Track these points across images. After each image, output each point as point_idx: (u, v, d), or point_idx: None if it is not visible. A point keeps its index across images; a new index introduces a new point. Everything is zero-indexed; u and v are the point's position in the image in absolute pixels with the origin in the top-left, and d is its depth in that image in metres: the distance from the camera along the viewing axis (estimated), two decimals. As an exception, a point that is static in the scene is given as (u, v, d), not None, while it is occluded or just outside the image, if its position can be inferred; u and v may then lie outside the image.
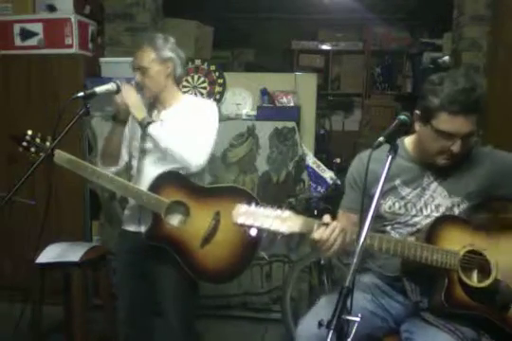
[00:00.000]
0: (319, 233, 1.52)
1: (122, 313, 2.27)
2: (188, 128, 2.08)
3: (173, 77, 2.19)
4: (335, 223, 1.54)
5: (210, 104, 2.24)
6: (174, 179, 2.10)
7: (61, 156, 2.08)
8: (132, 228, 2.21)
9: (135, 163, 2.21)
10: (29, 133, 2.07)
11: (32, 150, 2.06)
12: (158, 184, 2.08)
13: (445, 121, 1.59)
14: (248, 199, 2.06)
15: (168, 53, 2.13)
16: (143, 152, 2.18)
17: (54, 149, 2.01)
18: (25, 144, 2.07)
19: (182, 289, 2.16)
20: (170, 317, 2.14)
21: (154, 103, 2.23)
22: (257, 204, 1.92)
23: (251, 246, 2.09)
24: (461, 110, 1.56)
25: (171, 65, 2.15)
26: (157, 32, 2.25)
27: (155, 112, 2.23)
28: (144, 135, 2.16)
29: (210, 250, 2.05)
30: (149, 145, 2.17)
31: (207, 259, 2.06)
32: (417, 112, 1.68)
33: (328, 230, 1.52)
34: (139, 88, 2.14)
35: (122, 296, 2.28)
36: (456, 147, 1.61)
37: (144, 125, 2.05)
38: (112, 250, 2.71)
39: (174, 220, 2.09)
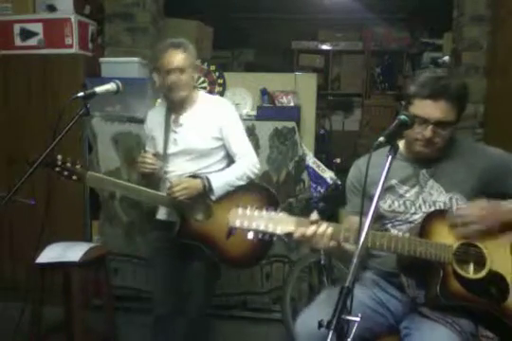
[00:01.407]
0: (300, 231, 1.54)
1: (158, 296, 2.40)
2: (219, 136, 2.28)
3: (195, 82, 2.37)
4: (324, 224, 1.56)
5: (229, 106, 2.36)
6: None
7: (93, 178, 2.24)
8: (162, 218, 2.39)
9: (165, 165, 2.33)
10: (59, 158, 2.18)
11: (65, 173, 2.19)
12: None
13: (417, 106, 1.68)
14: (265, 193, 2.32)
15: (197, 62, 2.33)
16: (171, 155, 2.32)
17: (86, 173, 2.20)
18: (58, 169, 2.18)
19: (207, 283, 2.36)
20: (191, 310, 2.34)
21: (172, 106, 2.32)
22: (274, 197, 2.22)
23: None
24: (429, 94, 1.65)
25: (197, 72, 2.35)
26: (179, 37, 2.33)
27: (174, 116, 2.33)
28: (166, 142, 2.30)
29: (234, 241, 2.17)
30: (173, 150, 2.30)
31: (232, 248, 2.24)
32: (402, 102, 1.76)
33: (306, 228, 1.55)
34: (175, 87, 2.23)
35: (158, 276, 2.42)
36: (427, 132, 1.68)
37: (211, 190, 2.22)
38: (113, 250, 2.72)
39: (199, 217, 2.28)
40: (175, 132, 2.31)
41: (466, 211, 1.65)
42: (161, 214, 2.40)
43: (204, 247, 2.25)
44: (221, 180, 2.23)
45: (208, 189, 2.20)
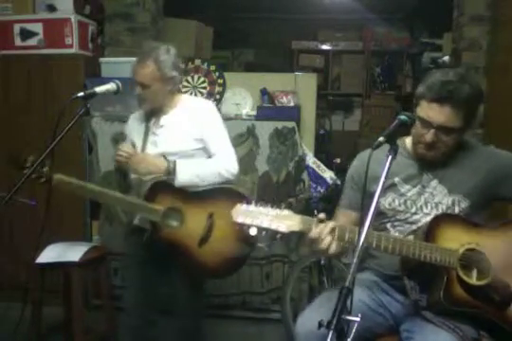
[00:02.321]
0: (315, 232, 1.52)
1: (128, 303, 2.33)
2: (201, 139, 2.20)
3: (173, 90, 2.24)
4: (331, 223, 1.55)
5: (210, 106, 2.30)
6: (167, 187, 2.17)
7: (59, 181, 2.16)
8: (136, 223, 2.30)
9: None
10: (30, 159, 2.14)
11: (33, 176, 2.14)
12: (152, 193, 2.16)
13: (423, 108, 1.65)
14: (240, 198, 2.10)
15: (170, 72, 2.16)
16: None
17: (52, 175, 2.13)
18: (26, 171, 2.14)
19: (193, 289, 2.26)
20: (182, 317, 2.26)
21: (153, 110, 2.27)
22: (249, 203, 1.97)
23: (248, 243, 2.17)
24: (435, 98, 1.61)
25: (171, 83, 2.20)
26: (158, 42, 2.27)
27: (154, 119, 2.28)
28: (145, 143, 2.24)
29: (208, 250, 2.12)
30: (153, 151, 2.23)
31: (206, 258, 2.13)
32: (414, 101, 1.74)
33: (324, 228, 1.53)
34: (140, 99, 2.19)
35: (130, 285, 2.35)
36: (428, 136, 1.65)
37: (174, 174, 2.14)
38: (112, 249, 2.72)
39: (171, 225, 2.17)
40: (156, 134, 2.26)
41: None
42: (136, 219, 2.30)
43: (175, 255, 2.15)
44: (189, 168, 2.15)
45: (171, 172, 2.12)
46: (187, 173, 2.14)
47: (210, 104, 2.33)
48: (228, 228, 2.08)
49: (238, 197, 2.15)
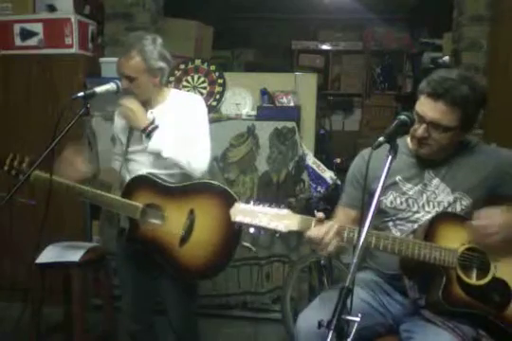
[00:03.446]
0: (314, 231, 1.52)
1: (125, 306, 2.30)
2: (182, 132, 2.09)
3: (161, 82, 2.17)
4: (331, 222, 1.55)
5: (198, 101, 2.21)
6: (146, 182, 2.11)
7: (37, 177, 2.10)
8: (123, 225, 2.22)
9: (128, 165, 2.21)
10: (10, 156, 2.15)
11: (13, 172, 2.15)
12: (130, 189, 2.11)
13: (420, 102, 1.67)
14: (223, 194, 2.08)
15: (157, 63, 2.08)
16: (135, 153, 2.19)
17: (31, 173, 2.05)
18: (6, 168, 2.15)
19: (183, 290, 2.20)
20: (173, 320, 2.22)
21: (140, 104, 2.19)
22: (233, 198, 1.95)
23: (232, 241, 2.09)
24: (430, 93, 1.62)
25: (159, 75, 2.12)
26: (147, 32, 2.19)
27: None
28: (130, 137, 2.17)
29: (189, 248, 2.04)
30: (137, 147, 2.16)
31: (188, 257, 2.05)
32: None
33: (324, 228, 1.53)
34: (127, 93, 2.12)
35: (123, 287, 2.31)
36: (419, 131, 1.66)
37: (147, 134, 2.07)
38: (112, 249, 2.71)
39: (150, 222, 2.09)
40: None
41: (488, 221, 1.60)
42: (124, 222, 2.21)
43: (156, 256, 2.08)
44: (163, 141, 2.05)
45: (146, 132, 2.05)
46: (157, 143, 2.05)
47: (199, 101, 2.22)
48: (210, 225, 2.03)
49: (221, 193, 2.09)
